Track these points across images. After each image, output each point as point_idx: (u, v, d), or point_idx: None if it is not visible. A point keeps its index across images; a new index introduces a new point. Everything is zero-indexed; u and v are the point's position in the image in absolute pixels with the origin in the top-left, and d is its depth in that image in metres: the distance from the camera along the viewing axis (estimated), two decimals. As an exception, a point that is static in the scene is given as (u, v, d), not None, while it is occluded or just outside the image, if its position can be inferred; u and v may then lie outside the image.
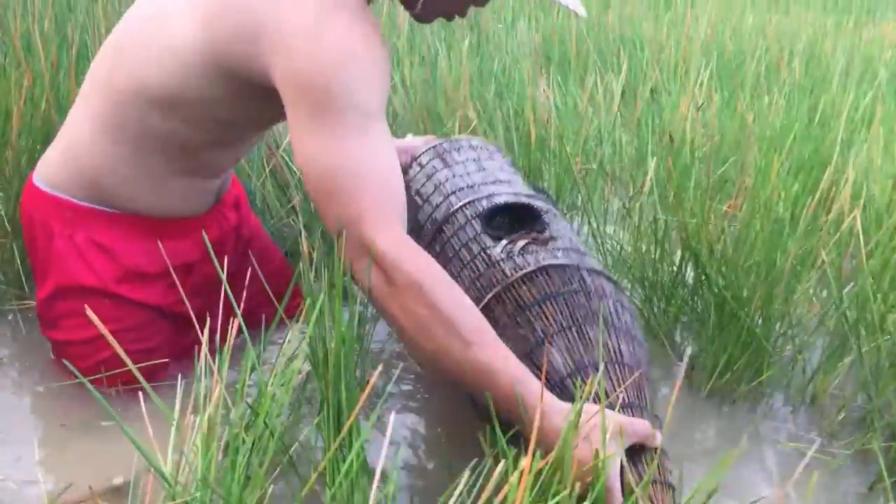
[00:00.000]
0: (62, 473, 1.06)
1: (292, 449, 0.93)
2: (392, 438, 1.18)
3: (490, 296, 1.07)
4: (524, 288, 1.06)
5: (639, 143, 2.28)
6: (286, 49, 0.94)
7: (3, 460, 1.08)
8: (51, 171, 1.17)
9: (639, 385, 0.96)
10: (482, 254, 1.14)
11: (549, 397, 0.87)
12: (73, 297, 1.16)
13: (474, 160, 1.37)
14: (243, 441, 0.78)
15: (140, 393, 0.81)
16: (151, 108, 1.07)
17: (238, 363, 1.20)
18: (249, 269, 1.19)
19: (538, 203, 1.23)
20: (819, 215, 1.68)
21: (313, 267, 1.14)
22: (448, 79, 2.45)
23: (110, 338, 0.79)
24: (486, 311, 1.06)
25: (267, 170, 1.75)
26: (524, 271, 1.07)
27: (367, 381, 0.73)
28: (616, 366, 0.97)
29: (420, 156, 1.42)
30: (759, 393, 1.38)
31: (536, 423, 0.70)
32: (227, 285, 0.91)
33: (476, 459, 0.81)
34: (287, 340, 1.04)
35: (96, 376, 1.13)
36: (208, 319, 0.91)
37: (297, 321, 1.03)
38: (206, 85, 1.03)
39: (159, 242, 1.19)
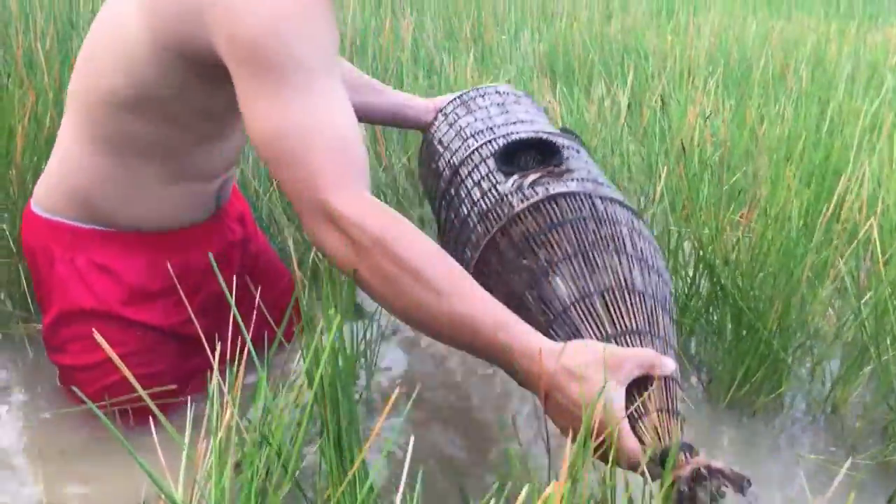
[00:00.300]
0: (70, 499, 1.04)
1: (297, 472, 0.91)
2: (399, 461, 1.15)
3: (496, 229, 1.01)
4: (530, 219, 1.00)
5: (647, 152, 2.26)
6: (225, 18, 0.90)
7: (9, 486, 1.06)
8: (46, 195, 1.15)
9: (651, 311, 0.90)
10: (492, 190, 1.08)
11: (538, 339, 0.81)
12: (76, 322, 1.14)
13: (498, 104, 1.31)
14: (257, 466, 0.76)
15: (150, 417, 0.79)
16: (126, 113, 1.05)
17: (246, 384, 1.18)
18: (259, 287, 1.17)
19: (557, 139, 1.15)
20: (833, 224, 1.66)
21: (306, 288, 1.12)
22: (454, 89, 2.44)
23: (118, 361, 0.77)
24: (492, 246, 1.01)
25: (274, 183, 1.73)
26: (531, 201, 1.01)
27: (377, 421, 0.69)
28: (626, 292, 0.90)
29: (445, 106, 1.38)
30: (778, 404, 1.36)
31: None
32: (233, 304, 0.88)
33: (497, 484, 0.78)
34: (289, 362, 1.02)
35: (105, 402, 1.11)
36: (217, 341, 0.88)
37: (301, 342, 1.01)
38: (166, 76, 1.01)
39: (166, 262, 1.17)
